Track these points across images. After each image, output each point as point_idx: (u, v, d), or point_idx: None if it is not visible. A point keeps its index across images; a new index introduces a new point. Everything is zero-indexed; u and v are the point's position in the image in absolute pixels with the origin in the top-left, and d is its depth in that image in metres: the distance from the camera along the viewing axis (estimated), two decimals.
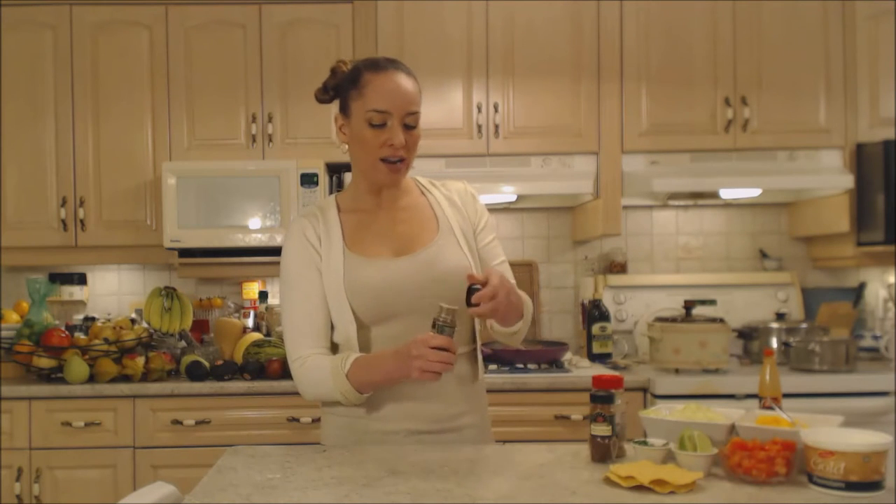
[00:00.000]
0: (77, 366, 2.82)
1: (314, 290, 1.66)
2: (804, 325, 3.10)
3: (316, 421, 2.80)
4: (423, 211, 1.74)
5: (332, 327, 1.68)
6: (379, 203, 1.72)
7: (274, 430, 2.80)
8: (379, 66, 1.64)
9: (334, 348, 1.70)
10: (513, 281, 1.75)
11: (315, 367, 1.63)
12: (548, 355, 2.97)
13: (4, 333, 3.02)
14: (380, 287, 1.62)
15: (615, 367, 3.07)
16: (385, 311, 1.63)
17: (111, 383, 2.83)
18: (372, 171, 1.67)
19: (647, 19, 3.14)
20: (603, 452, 1.49)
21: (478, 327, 1.74)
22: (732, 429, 1.47)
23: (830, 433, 1.33)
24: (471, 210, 1.76)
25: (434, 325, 1.51)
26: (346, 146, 1.71)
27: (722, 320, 2.94)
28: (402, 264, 1.65)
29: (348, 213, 1.72)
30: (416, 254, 1.66)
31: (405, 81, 1.64)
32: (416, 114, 1.66)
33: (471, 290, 1.52)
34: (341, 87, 1.69)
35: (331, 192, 3.19)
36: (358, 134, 1.64)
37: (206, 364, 2.88)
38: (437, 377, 1.51)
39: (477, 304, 1.51)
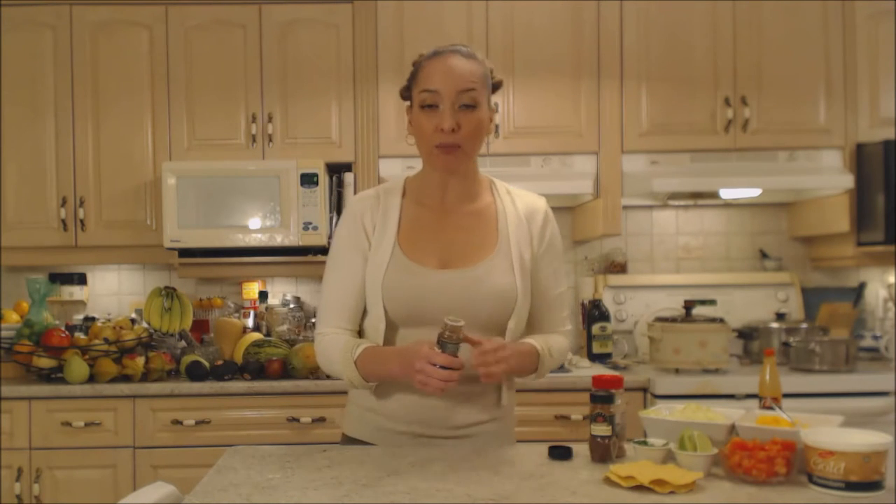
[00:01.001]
0: (77, 366, 2.82)
1: (352, 275, 1.65)
2: (804, 325, 3.11)
3: (316, 421, 2.80)
4: (487, 223, 1.66)
5: (366, 313, 1.68)
6: (443, 201, 1.67)
7: (274, 430, 2.80)
8: (437, 52, 1.62)
9: (361, 332, 1.71)
10: (565, 312, 1.75)
11: (330, 345, 1.65)
12: None
13: (4, 333, 3.02)
14: (417, 295, 1.59)
15: (615, 367, 3.07)
16: (417, 318, 1.60)
17: (111, 383, 2.83)
18: (429, 160, 1.63)
19: (647, 19, 3.14)
20: (603, 452, 1.49)
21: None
22: (732, 429, 1.47)
23: (830, 433, 1.33)
24: (537, 231, 1.69)
25: (438, 342, 1.47)
26: (413, 138, 1.66)
27: (722, 320, 2.94)
28: (445, 277, 1.60)
29: (412, 203, 1.68)
30: (463, 269, 1.61)
31: (459, 62, 1.58)
32: (470, 91, 1.57)
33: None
34: (409, 78, 1.67)
35: (331, 193, 3.19)
36: (415, 121, 1.61)
37: (206, 364, 2.88)
38: (440, 392, 1.49)
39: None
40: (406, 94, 1.68)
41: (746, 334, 3.14)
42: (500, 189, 1.73)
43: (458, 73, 1.57)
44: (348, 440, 1.73)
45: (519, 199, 1.72)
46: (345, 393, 1.78)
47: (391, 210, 1.66)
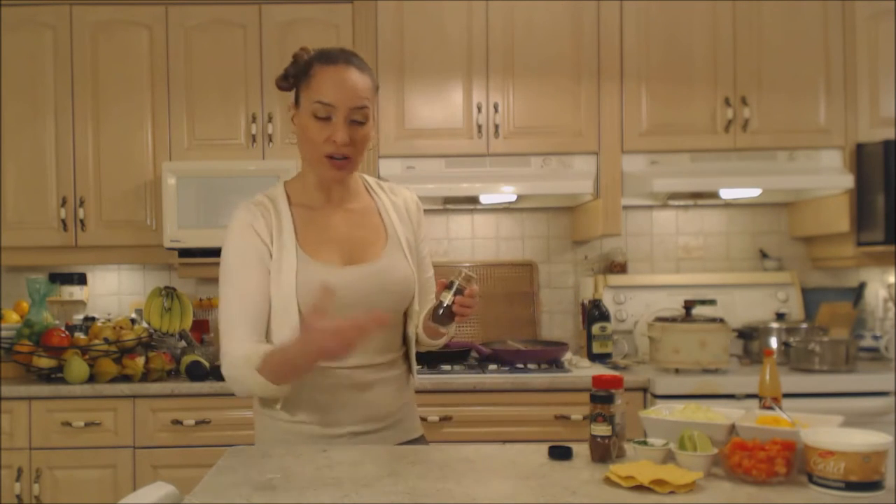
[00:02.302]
0: (77, 366, 2.82)
1: (257, 285, 1.60)
2: (804, 325, 3.11)
3: None
4: (372, 217, 1.73)
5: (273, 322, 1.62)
6: (329, 200, 1.70)
7: None
8: (330, 58, 1.61)
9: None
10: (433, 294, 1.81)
11: (235, 363, 1.57)
12: (548, 355, 2.97)
13: (4, 333, 3.02)
14: (338, 294, 1.56)
15: (615, 367, 3.07)
16: (334, 317, 1.55)
17: (111, 383, 2.83)
18: (317, 166, 1.64)
19: (647, 19, 3.14)
20: (603, 452, 1.49)
21: (411, 333, 1.75)
22: (732, 429, 1.47)
23: (830, 433, 1.34)
24: (415, 221, 1.78)
25: (450, 286, 1.56)
26: (296, 136, 1.67)
27: (722, 320, 2.94)
28: (353, 273, 1.63)
29: (298, 206, 1.68)
30: (367, 264, 1.66)
31: (355, 75, 1.60)
32: (363, 108, 1.61)
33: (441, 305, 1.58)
34: (297, 76, 1.66)
35: None
36: (304, 125, 1.61)
37: (206, 364, 2.88)
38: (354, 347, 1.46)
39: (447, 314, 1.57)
40: (284, 84, 1.67)
41: (746, 334, 3.14)
42: (372, 185, 1.79)
43: (353, 88, 1.59)
44: None
45: (390, 191, 1.79)
46: None
47: (283, 215, 1.65)
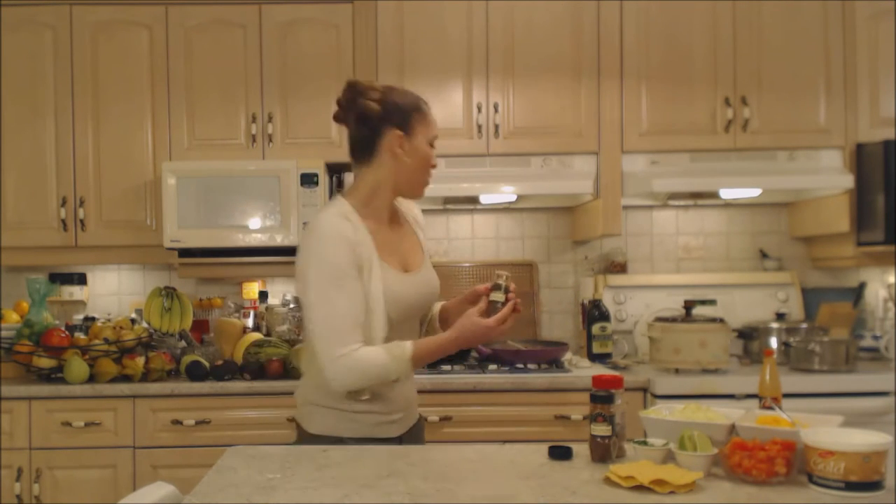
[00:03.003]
0: (77, 366, 2.82)
1: (359, 291, 1.77)
2: (804, 325, 3.11)
3: None
4: (409, 230, 1.98)
5: None
6: (385, 217, 1.90)
7: (274, 430, 2.80)
8: (422, 102, 1.90)
9: None
10: None
11: (367, 357, 1.74)
12: (548, 355, 2.97)
13: (4, 333, 3.02)
14: (410, 299, 1.85)
15: (615, 367, 3.06)
16: (406, 317, 1.86)
17: (111, 383, 2.83)
18: (419, 185, 1.90)
19: (647, 19, 3.14)
20: (603, 452, 1.50)
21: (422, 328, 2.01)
22: (732, 429, 1.47)
23: (830, 433, 1.34)
24: (423, 224, 2.05)
25: (497, 287, 1.78)
26: (398, 159, 1.84)
27: (722, 320, 2.94)
28: (413, 280, 1.88)
29: (367, 220, 1.84)
30: (419, 272, 1.91)
31: None
32: None
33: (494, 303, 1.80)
34: (395, 109, 1.83)
35: (331, 193, 3.19)
36: (423, 153, 1.86)
37: (206, 364, 2.88)
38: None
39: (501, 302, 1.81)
40: (342, 117, 1.88)
41: (746, 334, 3.13)
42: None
43: None
44: (318, 439, 1.84)
45: (402, 203, 2.00)
46: None
47: (362, 229, 1.82)
